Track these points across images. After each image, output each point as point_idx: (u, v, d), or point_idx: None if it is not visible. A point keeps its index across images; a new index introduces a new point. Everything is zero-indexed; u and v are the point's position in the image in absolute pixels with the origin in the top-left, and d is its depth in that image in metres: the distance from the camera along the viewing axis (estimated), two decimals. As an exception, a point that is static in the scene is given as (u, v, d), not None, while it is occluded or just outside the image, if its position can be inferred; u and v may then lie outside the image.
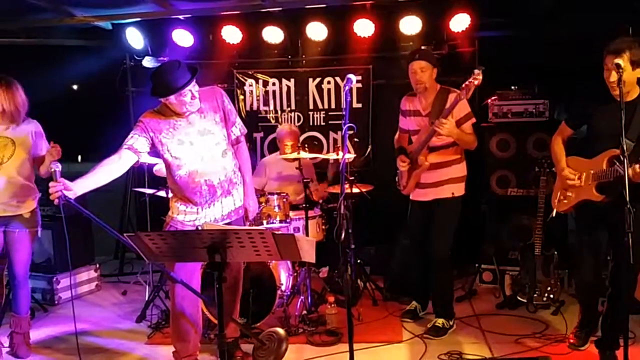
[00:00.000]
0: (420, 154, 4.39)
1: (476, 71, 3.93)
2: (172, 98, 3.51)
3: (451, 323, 4.50)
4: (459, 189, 4.43)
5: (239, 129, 3.87)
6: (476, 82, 3.95)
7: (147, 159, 4.87)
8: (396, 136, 4.75)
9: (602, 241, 3.72)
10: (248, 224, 3.93)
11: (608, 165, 3.50)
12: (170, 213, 3.84)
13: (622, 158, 3.17)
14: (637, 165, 3.28)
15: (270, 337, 3.66)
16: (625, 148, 3.17)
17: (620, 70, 3.29)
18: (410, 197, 4.61)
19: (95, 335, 4.70)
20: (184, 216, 3.76)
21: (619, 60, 3.32)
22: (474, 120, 4.38)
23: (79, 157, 9.51)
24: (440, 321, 4.47)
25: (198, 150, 3.64)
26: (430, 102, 4.38)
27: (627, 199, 3.04)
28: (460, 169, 4.46)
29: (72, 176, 3.35)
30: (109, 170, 3.51)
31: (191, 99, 3.53)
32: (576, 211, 3.75)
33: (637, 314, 4.45)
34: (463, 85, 4.02)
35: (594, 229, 3.68)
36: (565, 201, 3.76)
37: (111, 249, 7.06)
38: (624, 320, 3.60)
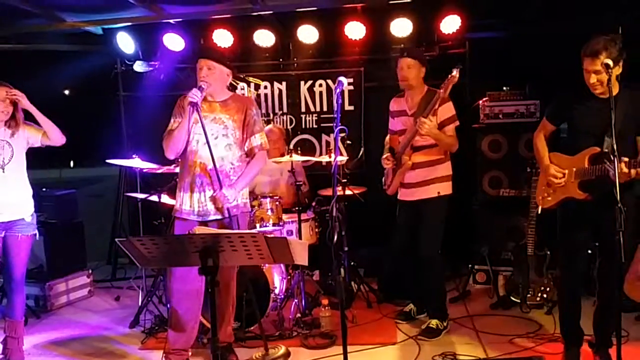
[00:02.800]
0: (404, 153, 4.44)
1: (454, 71, 3.99)
2: (203, 63, 3.86)
3: (445, 324, 4.51)
4: (444, 188, 4.46)
5: (260, 142, 3.99)
6: (454, 80, 4.02)
7: (139, 164, 4.88)
8: (387, 138, 4.79)
9: (585, 239, 3.73)
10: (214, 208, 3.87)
11: (590, 164, 3.51)
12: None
13: (612, 157, 3.18)
14: (622, 164, 3.29)
15: (275, 348, 4.10)
16: (615, 147, 3.18)
17: (610, 71, 3.31)
18: (398, 198, 4.63)
19: (88, 340, 4.68)
20: (180, 205, 3.88)
21: (607, 61, 3.33)
22: (457, 123, 4.43)
23: (72, 162, 9.49)
24: (434, 322, 4.48)
25: (204, 133, 3.76)
26: (416, 103, 4.44)
27: (618, 198, 3.05)
28: (445, 169, 4.49)
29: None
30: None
31: (208, 74, 3.83)
32: (560, 208, 3.76)
33: (629, 312, 4.48)
34: (442, 85, 4.09)
35: (577, 227, 3.68)
36: (549, 198, 3.76)
37: (104, 254, 7.04)
38: (615, 318, 3.62)
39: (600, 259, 3.76)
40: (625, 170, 3.26)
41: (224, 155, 3.85)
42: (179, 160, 4.04)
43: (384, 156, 4.62)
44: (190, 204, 3.85)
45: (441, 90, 4.10)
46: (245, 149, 4.00)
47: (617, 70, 3.43)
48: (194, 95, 3.67)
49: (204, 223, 3.84)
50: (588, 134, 3.54)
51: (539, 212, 3.90)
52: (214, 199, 3.82)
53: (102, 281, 6.32)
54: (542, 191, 3.81)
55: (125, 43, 6.32)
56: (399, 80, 4.45)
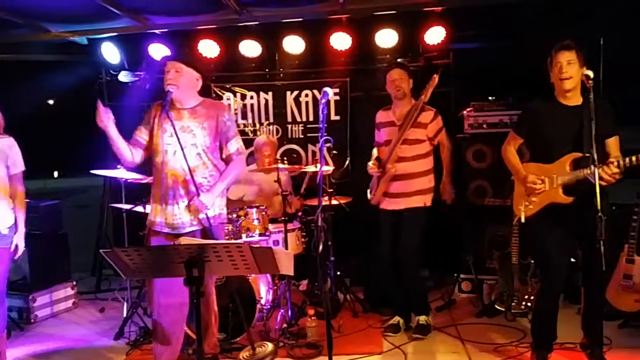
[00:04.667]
0: (388, 162, 4.52)
1: (434, 75, 4.17)
2: (171, 66, 3.80)
3: (430, 320, 4.65)
4: (429, 200, 4.60)
5: (237, 147, 3.93)
6: (434, 84, 4.21)
7: (124, 175, 4.86)
8: (374, 150, 4.87)
9: (566, 243, 3.79)
10: (191, 217, 3.78)
11: (572, 168, 3.59)
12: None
13: (592, 167, 3.25)
14: (612, 166, 3.37)
15: (261, 346, 4.14)
16: (595, 157, 3.24)
17: (590, 82, 3.39)
18: (380, 207, 4.68)
19: (72, 353, 4.64)
20: (154, 217, 3.81)
21: (588, 72, 3.42)
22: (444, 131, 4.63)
23: (55, 173, 9.42)
24: (422, 318, 4.61)
25: (174, 143, 3.67)
26: (404, 114, 4.56)
27: (599, 207, 3.11)
28: (429, 181, 4.62)
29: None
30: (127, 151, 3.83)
31: (175, 76, 3.75)
32: (540, 215, 3.80)
33: (613, 319, 4.53)
34: (423, 91, 4.30)
35: (558, 231, 3.74)
36: (531, 207, 3.81)
37: (88, 265, 6.99)
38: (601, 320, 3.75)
39: (583, 266, 3.81)
40: (616, 170, 3.33)
41: (194, 166, 3.74)
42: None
43: (370, 162, 4.70)
44: (165, 217, 3.76)
45: (422, 97, 4.25)
46: (223, 156, 3.93)
47: (584, 72, 3.52)
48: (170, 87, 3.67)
49: (178, 236, 3.73)
50: (560, 142, 3.63)
51: (523, 220, 3.94)
52: (189, 209, 3.73)
53: (86, 293, 6.27)
54: (522, 201, 3.86)
55: (111, 53, 6.32)
56: (394, 89, 4.57)
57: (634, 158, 3.35)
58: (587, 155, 3.49)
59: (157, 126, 3.79)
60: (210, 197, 3.75)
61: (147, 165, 4.00)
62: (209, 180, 3.82)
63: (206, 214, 3.72)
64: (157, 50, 6.21)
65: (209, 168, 3.83)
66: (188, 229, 3.77)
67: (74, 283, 5.86)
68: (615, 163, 3.38)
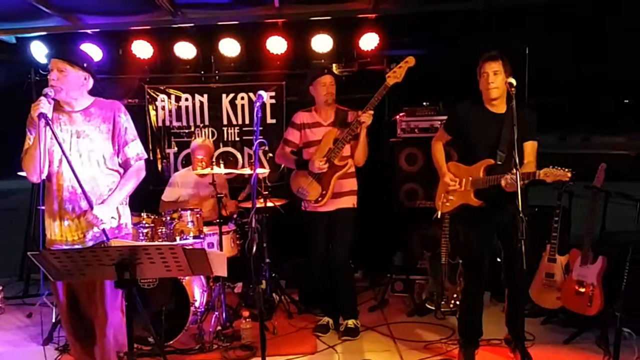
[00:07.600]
0: (337, 157, 4.57)
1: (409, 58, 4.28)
2: (53, 64, 3.36)
3: (359, 323, 4.73)
4: (355, 201, 4.71)
5: (136, 152, 3.57)
6: (410, 64, 4.31)
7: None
8: (278, 151, 4.90)
9: (484, 242, 3.98)
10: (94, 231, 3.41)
11: (484, 174, 3.78)
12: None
13: (514, 170, 3.42)
14: (507, 177, 3.57)
15: None
16: (517, 161, 3.41)
17: (513, 89, 3.56)
18: (310, 209, 4.71)
19: (-2, 360, 4.51)
20: (52, 235, 3.48)
21: (511, 80, 3.60)
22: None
23: (-19, 175, 9.05)
24: (351, 322, 4.69)
25: (67, 151, 3.30)
26: (330, 115, 4.69)
27: (520, 208, 3.27)
28: (355, 182, 4.74)
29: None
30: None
31: (59, 77, 3.34)
32: (458, 212, 4.02)
33: (535, 317, 4.75)
34: (391, 71, 4.34)
35: (479, 229, 3.95)
36: (448, 204, 4.03)
37: (16, 270, 6.76)
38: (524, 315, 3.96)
39: (506, 265, 4.00)
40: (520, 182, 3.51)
41: (95, 174, 3.41)
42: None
43: (315, 162, 4.56)
44: (62, 234, 3.43)
45: (388, 77, 4.33)
46: (120, 161, 3.55)
47: (509, 80, 3.68)
48: (42, 105, 3.12)
49: None
50: (482, 146, 3.83)
51: (438, 216, 4.14)
52: (89, 223, 3.35)
53: (13, 298, 6.06)
54: (442, 197, 4.07)
55: (40, 52, 6.13)
56: (325, 95, 4.64)
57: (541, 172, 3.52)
58: (499, 163, 3.69)
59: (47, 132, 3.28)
60: (106, 209, 3.36)
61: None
62: (110, 189, 3.48)
63: (103, 230, 3.32)
64: (89, 51, 6.06)
65: (108, 175, 3.49)
66: (93, 244, 3.45)
67: (1, 288, 5.66)
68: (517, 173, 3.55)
